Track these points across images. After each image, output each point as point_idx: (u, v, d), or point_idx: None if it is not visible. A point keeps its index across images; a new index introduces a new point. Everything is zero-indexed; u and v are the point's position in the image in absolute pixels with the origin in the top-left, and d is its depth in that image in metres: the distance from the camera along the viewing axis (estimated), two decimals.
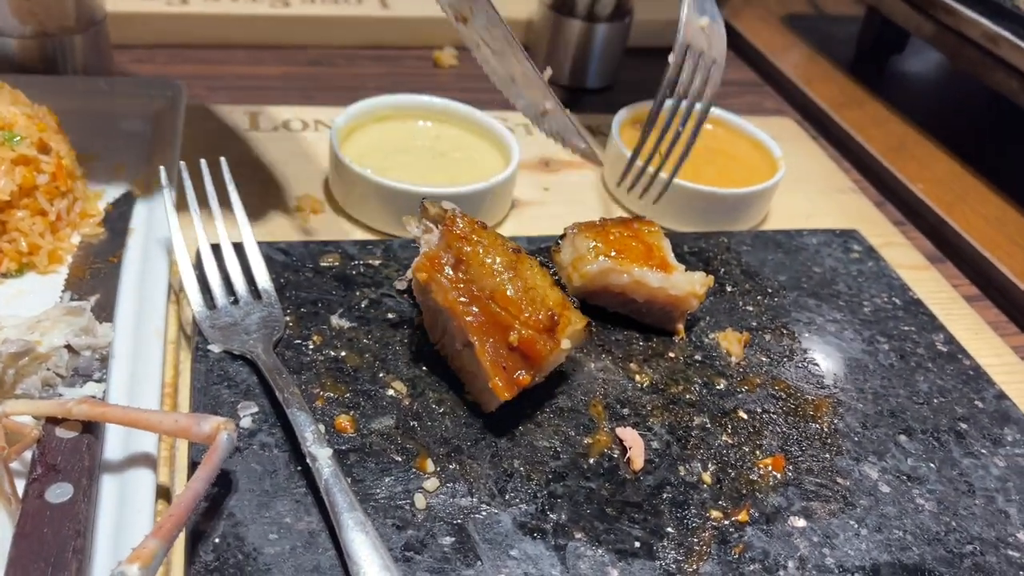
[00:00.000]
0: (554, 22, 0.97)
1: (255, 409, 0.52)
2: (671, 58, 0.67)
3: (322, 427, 0.51)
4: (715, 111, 0.83)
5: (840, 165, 0.95)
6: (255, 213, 0.70)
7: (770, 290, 0.69)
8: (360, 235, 0.70)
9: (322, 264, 0.63)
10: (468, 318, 0.53)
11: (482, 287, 0.54)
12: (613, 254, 0.61)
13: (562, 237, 0.64)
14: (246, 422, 0.51)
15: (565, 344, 0.54)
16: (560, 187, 0.80)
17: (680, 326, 0.63)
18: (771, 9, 1.26)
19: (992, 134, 1.08)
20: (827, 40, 1.20)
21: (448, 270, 0.54)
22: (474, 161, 0.75)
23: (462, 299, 0.54)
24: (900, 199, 0.92)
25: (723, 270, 0.70)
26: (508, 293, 0.53)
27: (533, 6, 1.01)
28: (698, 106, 0.69)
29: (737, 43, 1.18)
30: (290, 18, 0.97)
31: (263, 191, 0.73)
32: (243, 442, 0.50)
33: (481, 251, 0.54)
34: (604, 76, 1.00)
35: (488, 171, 0.72)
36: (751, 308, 0.67)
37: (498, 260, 0.54)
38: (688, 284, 0.61)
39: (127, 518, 0.45)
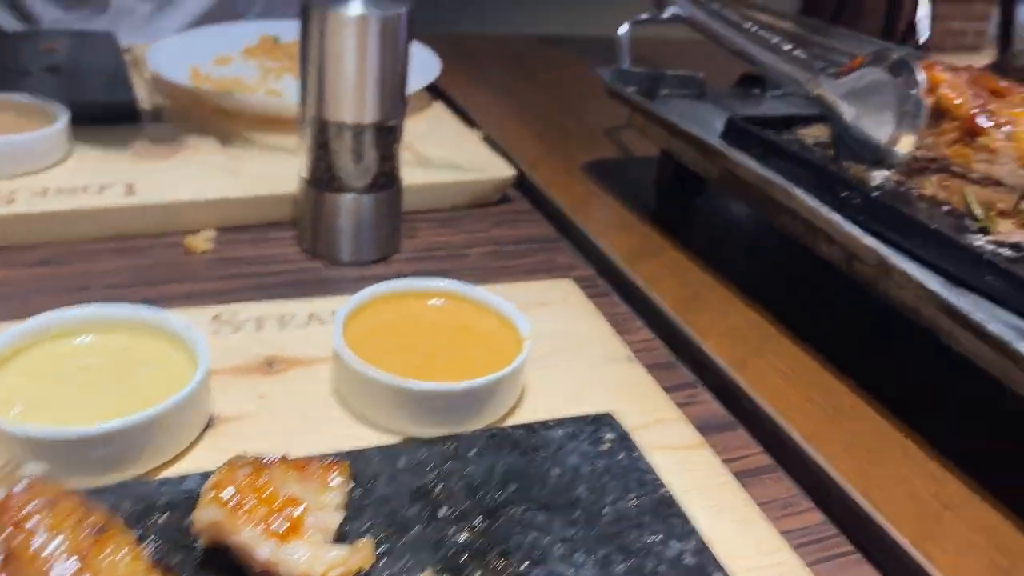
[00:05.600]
0: (315, 197, 0.90)
1: None
2: None
3: None
4: (455, 285, 0.76)
5: (629, 324, 0.88)
6: None
7: (492, 507, 0.59)
8: None
9: None
10: None
11: None
12: (234, 502, 0.48)
13: None
14: None
15: None
16: (280, 395, 0.69)
17: None
18: (572, 156, 1.22)
19: (788, 280, 1.02)
20: (632, 185, 1.15)
21: None
22: (159, 377, 0.64)
23: None
24: (692, 356, 0.85)
25: (439, 487, 0.60)
26: None
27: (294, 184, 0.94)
28: None
29: (536, 198, 1.12)
30: (15, 217, 0.88)
31: None
32: None
33: (36, 541, 0.43)
34: (380, 247, 0.93)
35: (183, 385, 0.62)
36: (464, 536, 0.56)
37: (61, 548, 0.43)
38: (307, 564, 0.47)
39: None
